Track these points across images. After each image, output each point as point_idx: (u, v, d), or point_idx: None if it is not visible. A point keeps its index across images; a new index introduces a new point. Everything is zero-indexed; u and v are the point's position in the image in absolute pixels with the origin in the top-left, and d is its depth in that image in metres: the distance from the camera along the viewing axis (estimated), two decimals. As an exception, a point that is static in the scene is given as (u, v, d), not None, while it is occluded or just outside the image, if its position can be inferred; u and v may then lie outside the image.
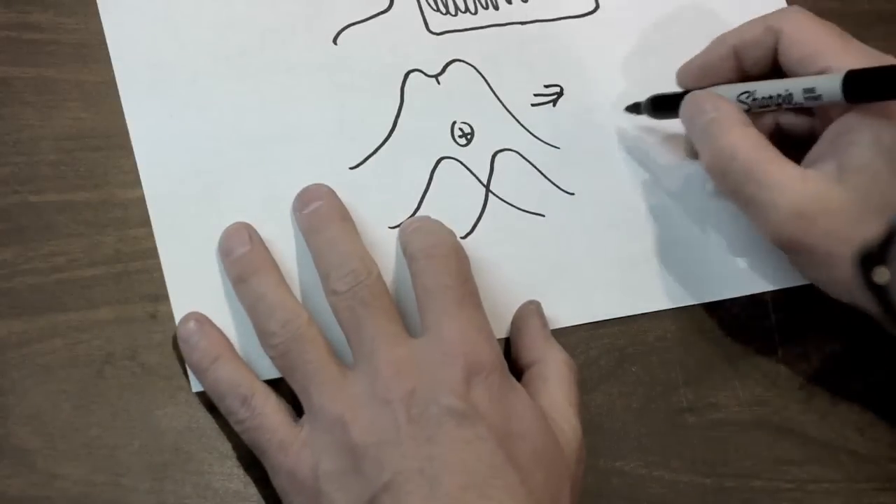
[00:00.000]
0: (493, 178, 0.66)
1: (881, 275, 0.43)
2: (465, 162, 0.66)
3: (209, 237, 0.62)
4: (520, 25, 0.69)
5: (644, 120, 0.68)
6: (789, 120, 0.67)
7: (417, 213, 0.65)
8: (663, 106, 0.67)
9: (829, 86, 0.61)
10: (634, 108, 0.68)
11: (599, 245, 0.66)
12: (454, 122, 0.67)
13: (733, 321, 0.67)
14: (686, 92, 0.66)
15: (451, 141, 0.66)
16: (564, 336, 0.65)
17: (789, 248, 0.62)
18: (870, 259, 0.43)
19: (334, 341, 0.59)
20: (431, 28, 0.68)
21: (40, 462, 0.58)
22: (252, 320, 0.60)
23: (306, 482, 0.57)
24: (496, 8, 0.69)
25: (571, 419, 0.60)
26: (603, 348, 0.65)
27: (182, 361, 0.60)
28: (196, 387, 0.60)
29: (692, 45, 0.68)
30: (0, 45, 0.63)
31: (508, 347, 0.64)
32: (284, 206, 0.63)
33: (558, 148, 0.68)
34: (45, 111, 0.63)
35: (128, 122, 0.63)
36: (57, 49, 0.64)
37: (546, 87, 0.68)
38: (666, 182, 0.68)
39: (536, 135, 0.67)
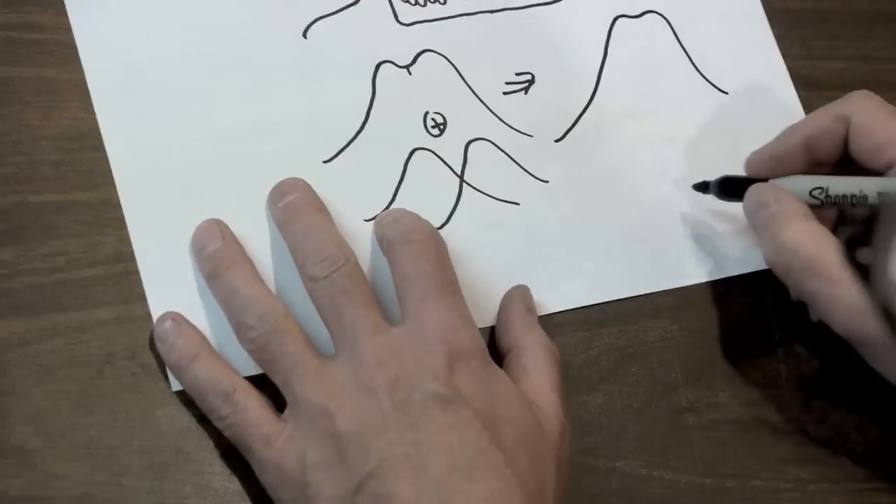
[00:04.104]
0: (467, 168, 0.66)
1: (864, 255, 0.44)
2: (438, 152, 0.66)
3: (185, 236, 0.62)
4: (489, 14, 0.69)
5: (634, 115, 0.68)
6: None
7: (392, 205, 0.64)
8: (731, 189, 0.65)
9: None
10: (702, 188, 0.66)
11: (575, 232, 0.66)
12: (426, 113, 0.66)
13: (733, 321, 0.67)
14: (756, 179, 0.65)
15: (424, 131, 0.66)
16: (564, 335, 0.65)
17: (854, 341, 0.62)
18: (854, 241, 0.45)
19: (311, 334, 0.59)
20: (401, 19, 0.68)
21: (40, 462, 0.58)
22: (227, 315, 0.60)
23: (293, 474, 0.57)
24: None
25: (553, 402, 0.60)
26: (603, 348, 0.66)
27: (182, 361, 0.60)
28: (176, 386, 0.60)
29: (663, 29, 0.70)
30: (0, 45, 0.63)
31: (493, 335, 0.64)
32: (259, 201, 0.63)
33: (531, 136, 0.67)
34: (45, 111, 0.63)
35: (99, 122, 0.62)
36: (57, 49, 0.64)
37: (517, 74, 0.68)
38: (640, 167, 0.68)
39: (509, 123, 0.67)
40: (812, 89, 0.72)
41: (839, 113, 0.65)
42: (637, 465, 0.64)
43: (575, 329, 0.65)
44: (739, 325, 0.67)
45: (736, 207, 0.66)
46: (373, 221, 0.64)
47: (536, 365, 0.61)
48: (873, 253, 0.45)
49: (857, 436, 0.67)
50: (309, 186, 0.63)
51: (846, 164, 0.65)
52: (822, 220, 0.64)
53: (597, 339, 0.66)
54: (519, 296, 0.64)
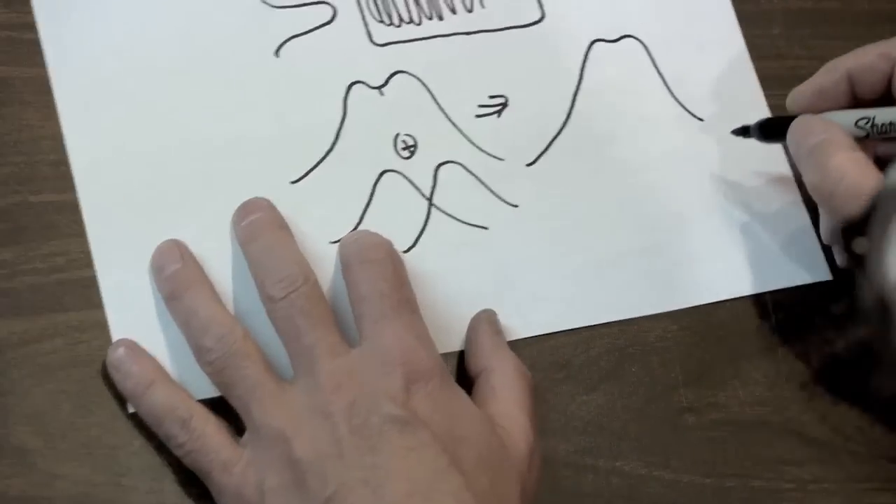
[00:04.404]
0: (436, 191, 0.65)
1: (860, 245, 0.44)
2: (407, 175, 0.65)
3: (149, 254, 0.61)
4: (464, 36, 0.68)
5: (593, 139, 0.68)
6: (888, 150, 0.66)
7: (359, 228, 0.64)
8: (773, 130, 0.66)
9: None
10: (743, 132, 0.67)
11: (543, 257, 0.66)
12: (397, 135, 0.66)
13: (733, 321, 0.67)
14: (796, 116, 0.65)
15: (394, 153, 0.65)
16: (565, 336, 0.65)
17: None
18: (851, 230, 0.45)
19: (271, 356, 0.59)
20: (375, 39, 0.67)
21: (40, 462, 0.58)
22: (186, 337, 0.59)
23: (251, 501, 0.56)
24: (440, 18, 0.68)
25: (522, 424, 0.60)
26: (603, 348, 0.65)
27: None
28: (132, 408, 0.59)
29: (640, 54, 0.70)
30: (0, 45, 0.63)
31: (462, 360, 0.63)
32: (225, 221, 0.62)
33: (502, 160, 0.67)
34: (45, 111, 0.63)
35: (65, 138, 0.62)
36: (57, 49, 0.64)
37: (491, 97, 0.68)
38: (612, 193, 0.67)
39: (480, 146, 0.67)
40: (812, 89, 0.72)
41: (885, 51, 0.65)
42: (637, 465, 0.64)
43: (574, 329, 0.65)
44: (739, 325, 0.67)
45: (709, 233, 0.67)
46: (338, 244, 0.63)
47: (505, 386, 0.61)
48: (869, 244, 0.45)
49: (857, 436, 0.67)
50: (272, 206, 0.62)
51: (887, 105, 0.65)
52: None
53: (597, 339, 0.66)
54: (486, 319, 0.63)
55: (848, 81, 0.65)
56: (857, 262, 0.51)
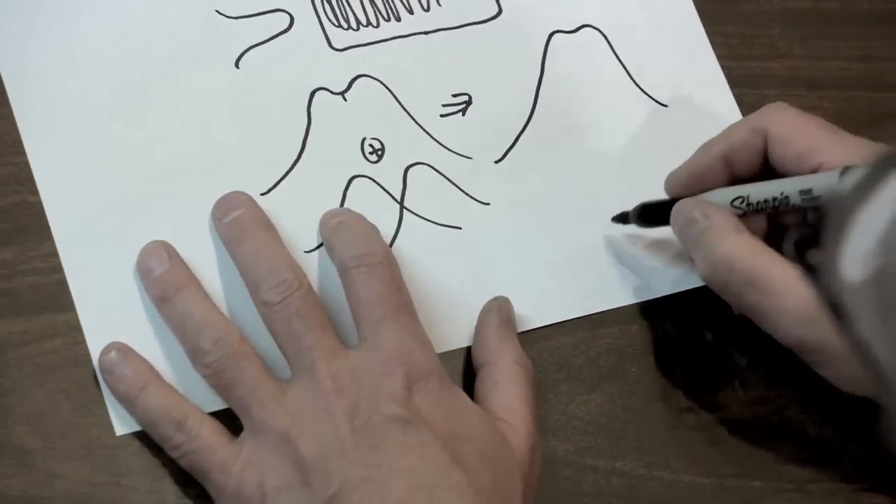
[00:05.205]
0: (407, 194, 0.65)
1: (814, 256, 0.45)
2: (377, 179, 0.65)
3: (123, 274, 0.61)
4: (423, 35, 0.68)
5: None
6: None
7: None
8: (652, 215, 0.65)
9: (827, 184, 0.60)
10: (622, 219, 0.66)
11: (518, 254, 0.66)
12: (364, 139, 0.66)
13: (733, 321, 0.67)
14: (675, 200, 0.64)
15: (362, 158, 0.65)
16: (564, 335, 0.65)
17: (800, 350, 0.61)
18: (804, 242, 0.45)
19: (262, 356, 0.59)
20: (334, 44, 0.67)
21: (40, 462, 0.58)
22: (180, 339, 0.59)
23: (253, 500, 0.56)
24: (398, 19, 0.68)
25: (524, 417, 0.60)
26: (603, 348, 0.66)
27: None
28: (119, 429, 0.59)
29: (600, 43, 0.70)
30: (0, 46, 0.63)
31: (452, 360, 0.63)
32: (197, 236, 0.62)
33: (470, 158, 0.67)
34: (45, 111, 0.63)
35: (31, 163, 0.62)
36: (57, 49, 0.64)
37: (454, 96, 0.68)
38: (582, 184, 0.67)
39: (448, 146, 0.67)
40: (812, 89, 0.72)
41: (756, 125, 0.64)
42: (637, 465, 0.64)
43: (575, 329, 0.65)
44: (739, 325, 0.67)
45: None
46: (315, 252, 0.63)
47: (507, 380, 0.61)
48: (822, 254, 0.45)
49: (857, 436, 0.67)
50: (253, 201, 0.62)
51: (767, 177, 0.64)
52: (753, 232, 0.63)
53: (597, 339, 0.66)
54: (495, 309, 0.63)
55: (723, 161, 0.64)
56: (811, 273, 0.51)
